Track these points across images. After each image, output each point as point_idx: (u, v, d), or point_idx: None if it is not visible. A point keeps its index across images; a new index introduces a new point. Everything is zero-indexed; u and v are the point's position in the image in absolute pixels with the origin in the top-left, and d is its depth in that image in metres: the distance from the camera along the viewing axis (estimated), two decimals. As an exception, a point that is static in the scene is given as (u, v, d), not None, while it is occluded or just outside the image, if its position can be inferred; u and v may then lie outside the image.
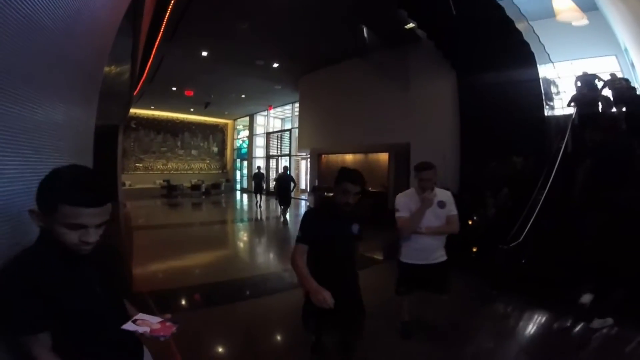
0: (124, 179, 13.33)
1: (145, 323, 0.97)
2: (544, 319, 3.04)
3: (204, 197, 15.16)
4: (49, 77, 1.29)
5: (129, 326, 0.93)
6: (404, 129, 7.43)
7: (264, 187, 11.91)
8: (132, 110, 12.38)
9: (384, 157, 9.57)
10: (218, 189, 16.55)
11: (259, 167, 11.78)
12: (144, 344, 1.16)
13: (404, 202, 2.46)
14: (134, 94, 7.54)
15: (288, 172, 9.00)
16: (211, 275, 4.52)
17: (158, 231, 7.70)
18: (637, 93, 4.68)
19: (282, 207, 8.18)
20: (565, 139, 4.51)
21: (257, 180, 10.96)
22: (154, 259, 5.08)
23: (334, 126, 9.68)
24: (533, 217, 3.84)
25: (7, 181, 0.93)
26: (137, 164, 15.61)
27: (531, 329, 2.97)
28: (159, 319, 1.01)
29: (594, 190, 3.25)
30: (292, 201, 9.34)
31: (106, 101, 5.69)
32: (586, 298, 3.03)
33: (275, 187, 8.46)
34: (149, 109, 14.97)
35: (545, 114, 5.63)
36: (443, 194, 2.44)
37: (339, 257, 1.88)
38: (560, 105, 6.11)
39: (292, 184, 8.17)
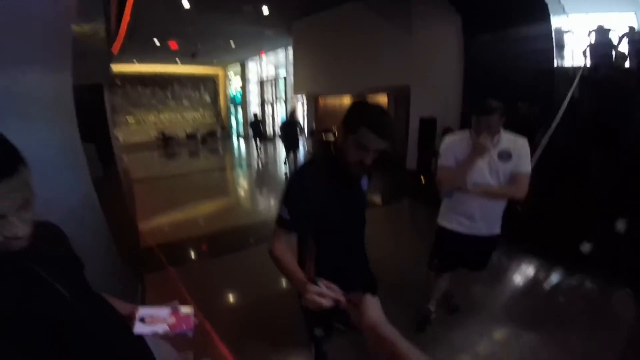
0: (117, 133, 13.21)
1: (156, 319, 0.81)
2: (539, 269, 3.11)
3: (200, 145, 15.06)
4: (8, 39, 1.17)
5: (141, 329, 0.78)
6: (404, 71, 7.07)
7: (263, 134, 11.48)
8: (116, 68, 12.02)
9: (382, 99, 9.34)
10: (214, 137, 16.40)
11: (255, 115, 11.24)
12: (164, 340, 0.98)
13: (450, 147, 1.86)
14: (114, 51, 7.41)
15: (295, 117, 8.18)
16: (216, 223, 4.65)
17: (159, 182, 7.77)
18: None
19: (289, 155, 7.60)
20: (573, 88, 4.30)
21: (255, 126, 10.55)
22: (158, 212, 5.18)
23: (331, 69, 9.25)
24: (535, 159, 3.82)
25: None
26: (128, 118, 15.25)
27: (521, 278, 3.02)
28: (166, 309, 0.85)
29: (599, 128, 3.45)
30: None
31: (84, 61, 5.49)
32: (586, 247, 3.08)
33: (282, 134, 7.67)
34: (132, 63, 14.22)
35: (555, 64, 5.28)
36: (511, 142, 1.75)
37: (349, 239, 1.33)
38: (571, 57, 5.77)
39: (299, 130, 7.64)
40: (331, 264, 1.23)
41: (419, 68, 6.80)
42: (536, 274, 2.97)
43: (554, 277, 2.88)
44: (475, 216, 1.89)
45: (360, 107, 1.14)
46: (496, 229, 1.95)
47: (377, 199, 5.76)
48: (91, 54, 5.37)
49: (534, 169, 1.76)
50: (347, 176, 1.18)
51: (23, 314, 0.58)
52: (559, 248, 3.20)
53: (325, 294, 0.88)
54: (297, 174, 1.26)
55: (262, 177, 8.35)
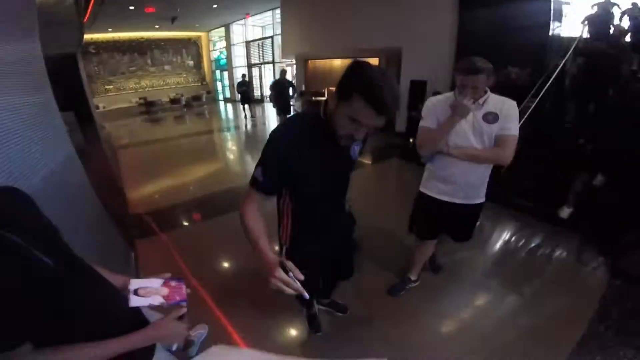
0: (97, 102, 12.85)
1: (149, 291, 0.81)
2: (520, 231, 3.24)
3: (185, 109, 14.61)
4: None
5: (136, 301, 0.79)
6: (396, 33, 6.84)
7: (251, 97, 10.94)
8: (88, 36, 11.46)
9: (373, 62, 9.11)
10: (199, 101, 15.86)
11: (243, 75, 10.58)
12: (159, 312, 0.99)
13: (432, 108, 1.76)
14: (84, 19, 7.09)
15: (286, 77, 7.47)
16: (204, 187, 4.63)
17: (144, 148, 7.57)
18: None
19: (281, 116, 7.37)
20: (567, 57, 4.28)
21: (243, 89, 10.00)
22: (144, 179, 5.13)
23: (320, 31, 8.86)
24: (521, 122, 3.88)
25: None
26: (107, 87, 14.52)
27: (504, 243, 3.12)
28: (158, 280, 0.85)
29: (589, 86, 3.69)
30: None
31: (53, 30, 5.23)
32: (564, 212, 3.18)
33: (272, 94, 7.28)
34: (107, 31, 13.32)
35: (551, 33, 5.19)
36: (498, 104, 1.64)
37: (329, 203, 1.26)
38: (568, 27, 5.64)
39: (291, 90, 7.20)
40: (309, 225, 1.23)
41: (412, 31, 6.58)
42: (519, 238, 3.08)
43: (536, 242, 2.99)
44: (457, 182, 1.79)
45: (358, 70, 0.91)
46: (479, 198, 1.85)
47: (366, 157, 5.80)
48: (60, 24, 5.11)
49: (520, 134, 1.68)
50: (334, 143, 1.04)
51: (7, 288, 0.55)
52: (541, 212, 3.32)
53: (290, 284, 0.84)
54: (277, 133, 1.06)
55: (250, 139, 8.21)
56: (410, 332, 2.03)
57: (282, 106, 7.22)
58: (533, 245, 2.96)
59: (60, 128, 1.92)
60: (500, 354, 1.84)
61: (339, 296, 2.22)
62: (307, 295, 0.87)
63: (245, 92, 10.07)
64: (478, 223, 2.03)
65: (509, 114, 1.62)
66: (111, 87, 14.70)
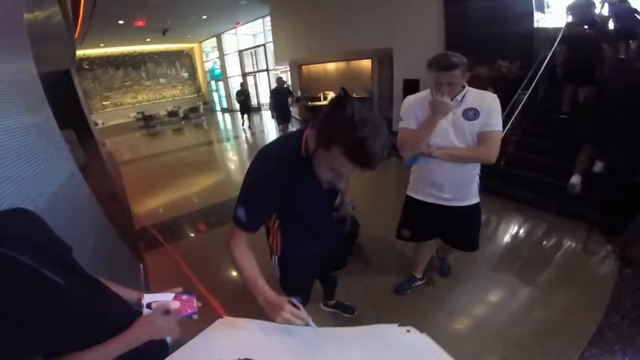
0: (95, 118, 12.86)
1: (162, 305, 0.83)
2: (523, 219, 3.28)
3: (183, 122, 14.66)
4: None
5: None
6: (386, 34, 6.87)
7: (250, 106, 10.61)
8: (80, 52, 11.65)
9: (367, 63, 9.16)
10: (197, 112, 15.90)
11: (241, 84, 10.40)
12: None
13: (410, 108, 1.68)
14: (75, 35, 7.12)
15: (285, 85, 7.34)
16: (207, 197, 4.64)
17: (145, 162, 7.64)
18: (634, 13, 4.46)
19: (281, 126, 7.26)
20: (554, 47, 4.35)
21: (241, 98, 9.76)
22: (148, 192, 5.17)
23: (312, 36, 8.89)
24: (515, 114, 3.91)
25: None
26: (104, 102, 14.62)
27: (511, 236, 3.15)
28: (169, 294, 0.87)
29: (574, 69, 3.91)
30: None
31: (44, 47, 5.30)
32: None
33: (270, 103, 7.17)
34: (99, 46, 13.43)
35: (535, 25, 5.30)
36: (478, 98, 1.55)
37: (319, 221, 1.22)
38: (553, 18, 5.81)
39: (290, 98, 7.18)
40: (298, 236, 1.22)
41: (401, 30, 6.61)
42: (525, 230, 3.09)
43: (542, 233, 2.99)
44: (443, 184, 1.72)
45: (338, 114, 0.75)
46: (471, 198, 1.76)
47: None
48: (51, 40, 5.16)
49: (517, 126, 1.73)
50: (317, 179, 0.94)
51: (19, 309, 0.57)
52: (544, 203, 3.32)
53: (299, 315, 0.91)
54: (255, 176, 0.97)
55: (250, 149, 8.22)
56: (421, 330, 2.02)
57: (281, 114, 7.09)
58: (540, 237, 2.96)
59: (61, 146, 1.94)
60: (516, 349, 1.83)
61: (346, 297, 2.23)
62: (314, 325, 0.93)
63: (244, 102, 9.90)
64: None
65: (490, 108, 1.53)
66: (108, 102, 14.77)
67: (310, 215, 1.12)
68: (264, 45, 13.00)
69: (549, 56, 4.38)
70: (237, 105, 10.24)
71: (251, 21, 12.57)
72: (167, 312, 0.80)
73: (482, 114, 1.53)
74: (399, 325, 1.02)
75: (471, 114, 1.55)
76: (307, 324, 0.93)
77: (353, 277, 2.46)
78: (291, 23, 9.65)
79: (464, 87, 1.58)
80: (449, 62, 1.46)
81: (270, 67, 13.38)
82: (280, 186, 0.94)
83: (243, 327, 1.03)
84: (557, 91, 4.33)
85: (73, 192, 1.82)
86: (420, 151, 1.67)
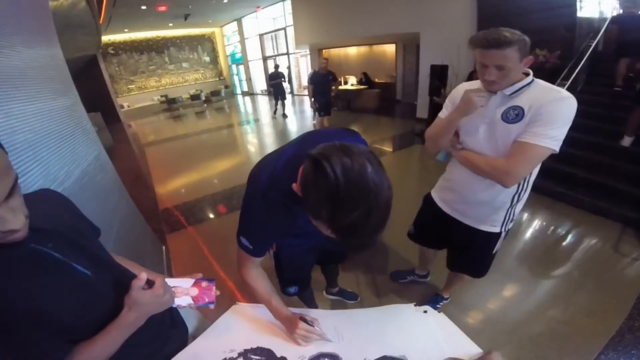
0: (121, 101, 13.45)
1: (180, 291, 0.82)
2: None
3: (205, 105, 14.88)
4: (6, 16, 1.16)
5: None
6: (413, 18, 6.58)
7: (284, 90, 9.37)
8: (106, 38, 12.13)
9: (390, 48, 8.90)
10: (218, 96, 16.12)
11: (276, 66, 9.24)
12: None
13: (454, 97, 1.36)
14: (100, 21, 7.22)
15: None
16: (228, 180, 4.69)
17: (170, 144, 7.79)
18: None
19: (321, 118, 6.63)
20: (597, 39, 4.11)
21: (276, 81, 8.81)
22: (171, 174, 5.28)
23: (334, 19, 8.66)
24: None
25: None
26: (129, 86, 15.11)
27: (531, 232, 3.07)
28: (189, 280, 0.85)
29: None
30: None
31: (71, 33, 5.44)
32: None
33: (310, 90, 6.59)
34: (123, 32, 13.79)
35: (578, 14, 4.88)
36: (534, 96, 1.12)
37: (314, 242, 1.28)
38: (596, 7, 5.38)
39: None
40: (290, 242, 1.24)
41: (429, 14, 6.31)
42: (553, 226, 2.94)
43: (573, 231, 2.84)
44: (461, 194, 1.42)
45: (320, 185, 0.56)
46: (488, 224, 1.39)
47: (387, 144, 5.70)
48: (78, 26, 5.28)
49: None
50: None
51: (49, 302, 0.56)
52: (580, 200, 3.14)
53: (313, 331, 0.93)
54: (252, 206, 0.91)
55: (271, 132, 8.13)
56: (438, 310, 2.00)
57: (323, 104, 6.27)
58: (569, 234, 2.81)
59: (88, 128, 1.99)
60: (529, 347, 1.78)
61: (349, 284, 2.24)
62: (330, 339, 0.93)
63: (278, 85, 8.85)
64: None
65: (545, 111, 1.07)
66: (133, 86, 15.22)
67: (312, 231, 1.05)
68: (284, 29, 12.83)
69: (591, 47, 4.10)
70: (257, 89, 10.06)
71: (271, 4, 12.40)
72: (149, 284, 0.71)
73: (527, 116, 1.11)
74: (415, 306, 1.00)
75: (512, 114, 1.14)
76: (323, 339, 0.94)
77: (359, 266, 2.47)
78: (312, 6, 9.44)
79: (527, 75, 1.17)
80: (501, 37, 1.06)
81: (291, 51, 13.24)
82: (279, 219, 0.90)
83: (256, 314, 1.05)
84: (598, 83, 4.08)
85: (99, 174, 1.88)
86: (444, 148, 1.42)
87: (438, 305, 2.05)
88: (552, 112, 1.07)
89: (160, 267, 2.47)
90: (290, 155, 0.86)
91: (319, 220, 0.61)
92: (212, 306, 0.84)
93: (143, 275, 0.68)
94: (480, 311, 2.06)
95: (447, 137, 1.33)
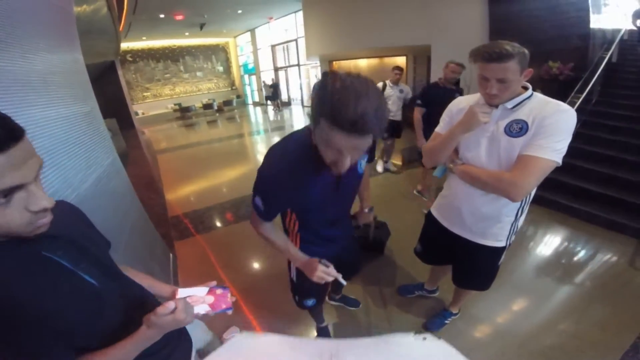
0: (136, 108, 13.83)
1: (196, 299, 0.82)
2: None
3: (217, 114, 15.14)
4: (32, 21, 1.20)
5: None
6: (424, 30, 6.61)
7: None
8: (125, 45, 12.59)
9: (401, 60, 8.95)
10: (230, 105, 16.41)
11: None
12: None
13: (453, 112, 1.37)
14: (120, 28, 7.55)
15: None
16: (237, 189, 4.71)
17: (181, 152, 7.92)
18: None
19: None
20: (612, 50, 4.00)
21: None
22: (182, 181, 5.35)
23: (344, 31, 8.77)
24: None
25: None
26: (144, 94, 15.58)
27: (544, 246, 3.02)
28: (203, 288, 0.86)
29: None
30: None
31: (92, 40, 5.61)
32: None
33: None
34: (141, 40, 14.35)
35: (591, 25, 4.84)
36: (537, 109, 1.11)
37: (336, 221, 1.25)
38: (609, 19, 5.38)
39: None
40: (314, 237, 1.23)
41: (441, 26, 6.33)
42: (567, 241, 2.87)
43: (587, 246, 2.77)
44: (461, 209, 1.38)
45: (323, 85, 0.73)
46: (491, 239, 1.37)
47: (396, 158, 5.67)
48: (99, 32, 5.44)
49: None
50: (329, 177, 0.98)
51: (56, 310, 0.57)
52: (595, 216, 3.06)
53: (329, 272, 1.09)
54: (267, 165, 0.97)
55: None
56: (438, 336, 1.95)
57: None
58: (583, 249, 2.74)
59: (105, 135, 2.04)
60: (542, 362, 1.73)
61: (352, 292, 2.23)
62: (344, 282, 1.13)
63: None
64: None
65: (547, 124, 1.06)
66: (148, 93, 15.64)
67: (326, 213, 1.16)
68: (295, 40, 13.09)
69: (605, 59, 4.04)
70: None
71: (284, 16, 12.68)
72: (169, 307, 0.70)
73: (531, 129, 1.10)
74: (415, 334, 1.00)
75: (516, 128, 1.13)
76: (338, 280, 1.12)
77: (366, 278, 2.46)
78: (323, 18, 9.59)
79: (525, 89, 1.17)
80: (502, 50, 1.06)
81: (302, 63, 13.47)
82: (292, 180, 0.94)
83: (260, 342, 1.04)
84: (613, 95, 4.00)
85: (113, 180, 1.91)
86: (443, 164, 1.42)
87: (447, 321, 2.01)
88: (555, 125, 1.07)
89: (166, 273, 2.49)
90: (302, 129, 1.00)
91: (321, 118, 0.73)
92: (229, 312, 0.84)
93: (171, 306, 0.68)
94: (487, 323, 2.03)
95: (446, 153, 1.32)
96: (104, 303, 0.67)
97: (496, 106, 1.18)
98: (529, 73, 1.12)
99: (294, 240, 1.26)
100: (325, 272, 1.08)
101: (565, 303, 2.16)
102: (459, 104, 1.36)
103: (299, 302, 1.51)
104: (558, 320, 2.01)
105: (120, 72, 10.50)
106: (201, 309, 0.81)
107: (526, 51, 1.09)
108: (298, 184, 0.95)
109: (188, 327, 1.00)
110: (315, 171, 0.94)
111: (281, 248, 1.14)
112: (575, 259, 2.62)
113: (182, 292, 0.83)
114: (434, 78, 6.64)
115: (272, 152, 0.99)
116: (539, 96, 1.16)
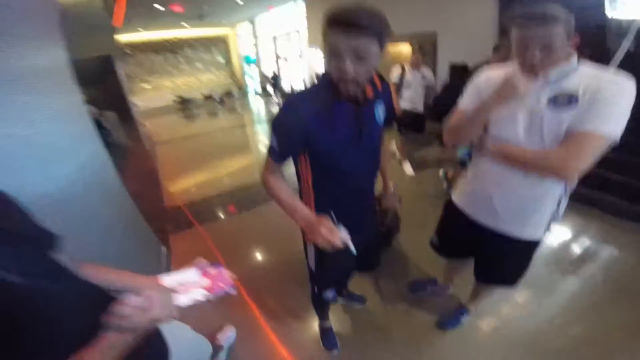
0: (136, 101, 13.56)
1: (189, 286, 0.71)
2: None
3: (218, 105, 14.99)
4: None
5: (177, 301, 0.67)
6: (430, 17, 6.42)
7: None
8: (124, 37, 12.58)
9: (406, 48, 8.74)
10: (231, 97, 16.25)
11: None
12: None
13: (478, 84, 1.20)
14: (117, 23, 7.53)
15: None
16: (239, 179, 4.65)
17: (182, 143, 7.86)
18: None
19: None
20: (630, 39, 3.85)
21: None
22: (183, 173, 5.27)
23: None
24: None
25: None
26: (145, 86, 15.48)
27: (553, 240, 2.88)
28: (192, 270, 0.77)
29: None
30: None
31: (89, 34, 5.53)
32: None
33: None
34: (139, 32, 14.18)
35: (608, 15, 4.59)
36: (587, 80, 0.96)
37: (352, 181, 1.10)
38: (626, 9, 5.00)
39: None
40: (332, 202, 1.08)
41: (447, 12, 6.12)
42: (589, 237, 2.69)
43: (611, 243, 2.59)
44: (493, 199, 1.20)
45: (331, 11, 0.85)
46: (527, 231, 1.21)
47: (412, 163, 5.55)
48: (95, 26, 5.37)
49: None
50: (350, 106, 0.96)
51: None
52: (626, 210, 2.87)
53: (336, 232, 0.87)
54: (289, 99, 1.00)
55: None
56: (440, 336, 1.87)
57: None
58: (602, 243, 2.57)
59: (85, 124, 1.92)
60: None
61: (369, 295, 2.15)
62: (354, 250, 0.88)
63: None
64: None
65: (602, 97, 0.91)
66: (149, 86, 15.52)
67: (343, 162, 1.04)
68: (297, 31, 12.81)
69: (625, 49, 3.85)
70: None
71: (284, 3, 12.39)
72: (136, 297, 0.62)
73: (582, 102, 0.94)
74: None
75: (563, 100, 0.97)
76: (346, 245, 0.88)
77: (377, 273, 2.36)
78: (325, 4, 9.36)
79: (569, 56, 1.00)
80: (547, 12, 0.90)
81: (303, 52, 13.21)
82: (311, 106, 0.95)
83: None
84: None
85: (99, 173, 1.83)
86: (470, 143, 1.21)
87: (463, 320, 1.91)
88: (612, 98, 0.91)
89: (158, 268, 2.41)
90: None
91: (325, 29, 0.86)
92: (233, 292, 0.76)
93: (131, 300, 0.61)
94: (494, 321, 1.94)
95: (476, 129, 1.13)
96: (40, 302, 0.56)
97: (536, 76, 1.01)
98: (576, 40, 0.97)
99: (309, 203, 1.13)
100: (331, 230, 0.87)
101: (580, 304, 2.04)
102: (488, 75, 1.19)
103: (318, 294, 1.41)
104: (571, 321, 1.91)
105: (119, 65, 10.37)
106: (197, 294, 0.70)
107: (572, 17, 0.95)
108: (317, 111, 0.95)
109: (192, 343, 0.89)
110: (336, 107, 0.96)
111: (287, 201, 1.02)
112: (593, 253, 2.49)
113: (167, 280, 0.72)
114: (441, 63, 6.46)
115: (296, 93, 1.02)
116: (588, 65, 1.01)
